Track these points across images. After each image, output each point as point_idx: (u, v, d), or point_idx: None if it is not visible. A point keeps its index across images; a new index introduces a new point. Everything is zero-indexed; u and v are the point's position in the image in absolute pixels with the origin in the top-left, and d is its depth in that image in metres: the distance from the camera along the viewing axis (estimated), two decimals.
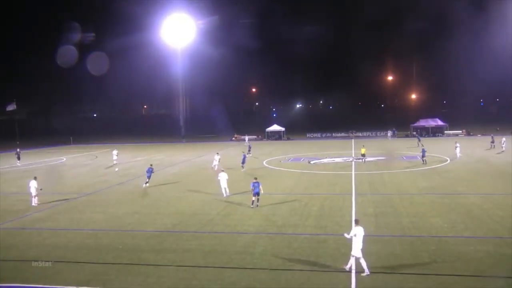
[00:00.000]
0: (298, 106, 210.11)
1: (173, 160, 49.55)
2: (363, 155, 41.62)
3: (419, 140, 57.38)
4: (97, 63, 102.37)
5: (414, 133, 73.95)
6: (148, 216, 22.59)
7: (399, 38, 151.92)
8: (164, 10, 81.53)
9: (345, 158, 45.08)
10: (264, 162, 44.18)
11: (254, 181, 24.08)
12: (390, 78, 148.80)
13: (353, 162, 41.38)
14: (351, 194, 26.24)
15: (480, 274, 13.59)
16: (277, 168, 39.98)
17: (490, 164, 38.07)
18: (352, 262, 13.97)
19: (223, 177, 26.99)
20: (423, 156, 39.02)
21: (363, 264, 13.70)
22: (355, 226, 14.39)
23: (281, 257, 15.63)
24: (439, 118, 78.70)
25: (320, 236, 18.12)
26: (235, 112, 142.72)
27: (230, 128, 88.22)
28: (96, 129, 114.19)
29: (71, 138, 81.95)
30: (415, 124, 77.17)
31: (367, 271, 13.64)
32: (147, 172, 31.09)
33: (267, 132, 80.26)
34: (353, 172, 34.85)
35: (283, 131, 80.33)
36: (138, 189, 30.55)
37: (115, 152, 45.65)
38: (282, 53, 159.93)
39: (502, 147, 47.10)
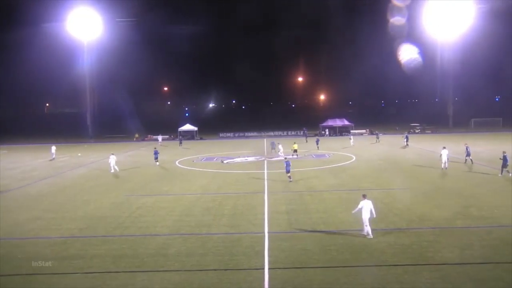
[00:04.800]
0: (211, 105, 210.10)
1: (80, 161, 47.00)
2: (295, 151, 43.77)
3: (306, 137, 69.69)
4: None
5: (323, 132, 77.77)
6: (52, 221, 21.16)
7: (310, 41, 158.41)
8: (68, 2, 77.26)
9: (257, 157, 45.86)
10: (176, 162, 43.54)
11: (286, 160, 30.96)
12: (300, 79, 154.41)
13: (265, 161, 42.21)
14: (264, 192, 26.72)
15: (382, 263, 14.52)
16: (190, 168, 39.60)
17: (390, 161, 40.92)
18: (368, 229, 16.82)
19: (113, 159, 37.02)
20: (317, 143, 54.08)
21: (369, 229, 16.86)
22: (362, 200, 17.04)
23: (195, 257, 15.48)
24: (346, 118, 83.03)
25: (234, 235, 18.22)
26: (146, 111, 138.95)
27: (141, 128, 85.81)
28: None
29: None
30: (324, 124, 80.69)
31: (370, 235, 16.83)
32: (154, 154, 41.65)
33: (180, 131, 79.22)
34: (265, 171, 35.54)
35: (196, 131, 79.82)
36: (40, 193, 28.56)
37: (53, 148, 50.26)
38: (193, 52, 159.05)
39: (405, 142, 54.26)
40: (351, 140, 57.95)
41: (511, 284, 12.80)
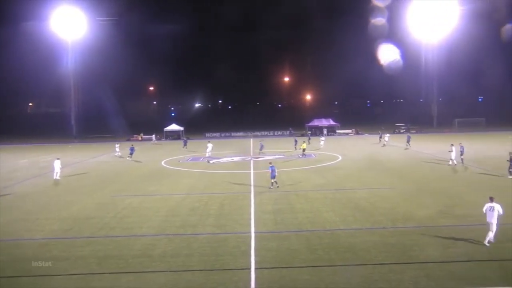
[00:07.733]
0: (197, 105, 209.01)
1: (64, 161, 46.26)
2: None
3: (309, 137, 63.74)
4: None
5: (309, 132, 77.80)
6: (35, 222, 20.84)
7: (296, 41, 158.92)
8: (52, 1, 76.29)
9: (243, 157, 45.83)
10: (162, 162, 43.29)
11: (270, 165, 28.12)
12: (286, 79, 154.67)
13: (251, 161, 42.19)
14: (250, 192, 26.71)
15: (368, 262, 14.62)
16: (176, 168, 39.42)
17: (375, 160, 41.24)
18: (490, 235, 15.71)
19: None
20: (295, 143, 52.28)
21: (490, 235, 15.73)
22: (489, 202, 15.98)
23: (180, 258, 15.41)
24: (332, 118, 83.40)
25: (220, 235, 18.18)
26: (132, 111, 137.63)
27: (127, 128, 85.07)
28: None
29: None
30: (310, 124, 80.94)
31: (486, 243, 15.68)
32: (130, 150, 45.29)
33: (166, 131, 78.80)
34: (251, 171, 35.53)
35: (182, 131, 79.45)
36: (23, 194, 28.12)
37: (117, 145, 50.87)
38: (179, 52, 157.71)
39: (385, 142, 55.65)
40: (322, 142, 55.09)
41: (495, 282, 12.98)
